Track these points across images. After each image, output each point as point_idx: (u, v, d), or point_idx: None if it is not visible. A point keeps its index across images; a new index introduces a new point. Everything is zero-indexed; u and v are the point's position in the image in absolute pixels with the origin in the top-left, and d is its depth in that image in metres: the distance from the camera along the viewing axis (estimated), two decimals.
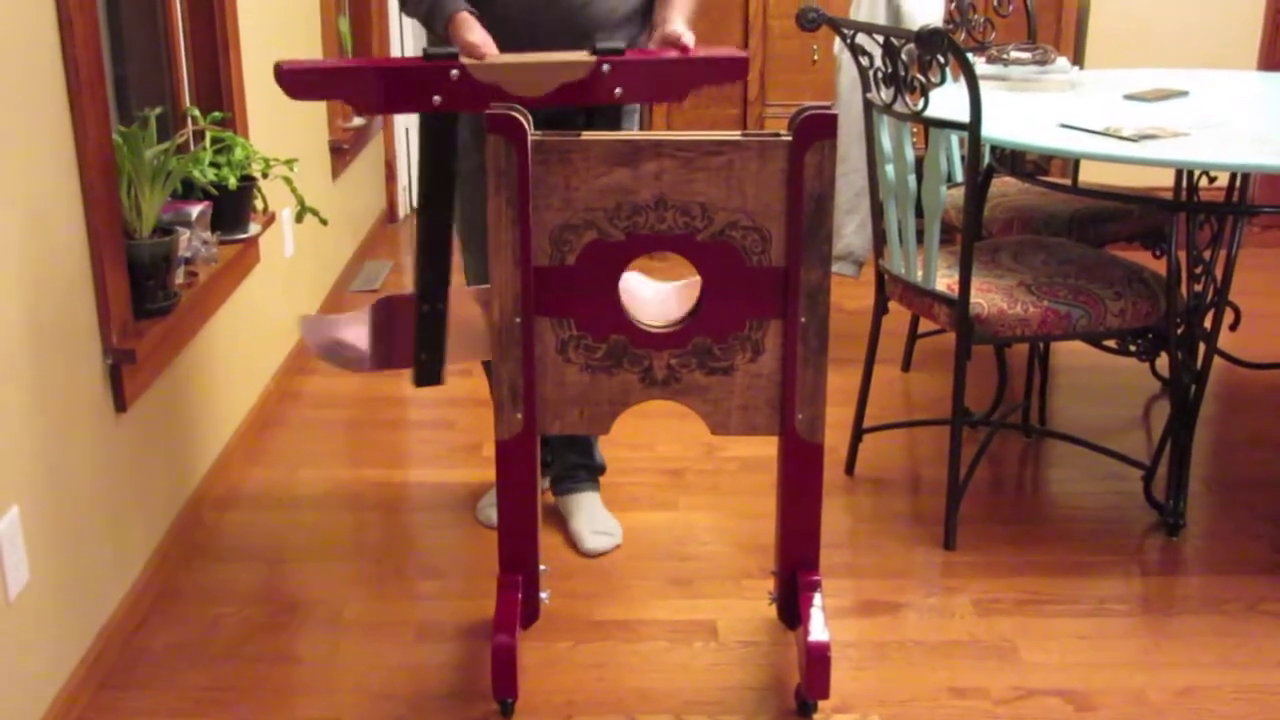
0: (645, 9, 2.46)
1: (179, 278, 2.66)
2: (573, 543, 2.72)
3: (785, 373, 2.13)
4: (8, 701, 1.98)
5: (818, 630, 2.15)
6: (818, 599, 2.21)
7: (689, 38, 2.23)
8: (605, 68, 2.10)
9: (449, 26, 2.24)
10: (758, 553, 2.69)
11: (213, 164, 2.73)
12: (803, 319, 2.09)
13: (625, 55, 2.12)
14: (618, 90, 2.13)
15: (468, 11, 2.26)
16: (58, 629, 2.15)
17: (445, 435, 3.32)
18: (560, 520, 2.78)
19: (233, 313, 2.98)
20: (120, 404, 2.39)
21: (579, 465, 2.80)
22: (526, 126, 2.01)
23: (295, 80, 2.08)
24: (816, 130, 2.01)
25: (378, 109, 2.16)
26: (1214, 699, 2.24)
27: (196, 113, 2.93)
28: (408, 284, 4.52)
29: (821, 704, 2.19)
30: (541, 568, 2.31)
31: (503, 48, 2.22)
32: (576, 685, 2.29)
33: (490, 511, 2.62)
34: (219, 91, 3.08)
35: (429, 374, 2.29)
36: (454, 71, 2.08)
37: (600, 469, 2.84)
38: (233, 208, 2.90)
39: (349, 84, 2.13)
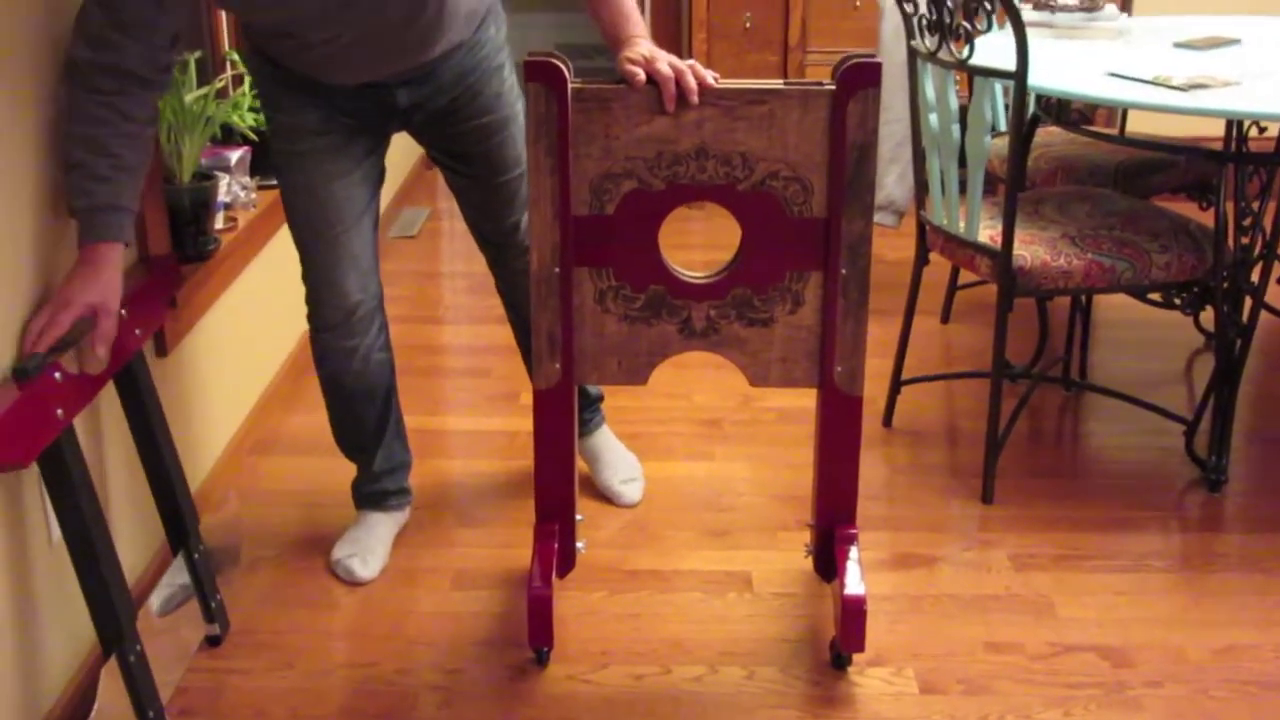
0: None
1: (219, 223, 2.66)
2: (603, 495, 2.72)
3: (825, 325, 2.11)
4: (52, 640, 2.01)
5: (854, 583, 2.15)
6: (854, 552, 2.21)
7: (663, 63, 1.97)
8: (136, 331, 2.07)
9: (87, 248, 1.93)
10: (794, 504, 2.68)
11: (252, 109, 2.72)
12: (844, 271, 2.07)
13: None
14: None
15: (117, 248, 1.94)
16: None
17: (482, 383, 3.32)
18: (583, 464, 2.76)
19: (272, 258, 2.98)
20: (161, 348, 2.40)
21: (580, 409, 2.62)
22: (567, 74, 1.98)
23: None
24: (860, 79, 1.98)
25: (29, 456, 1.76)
26: (1254, 657, 2.22)
27: (236, 57, 2.92)
28: (446, 228, 4.52)
29: (856, 657, 2.19)
30: (578, 517, 2.32)
31: (341, 79, 2.17)
32: (612, 635, 2.30)
33: (349, 563, 2.46)
34: None
35: None
36: (58, 374, 1.84)
37: (599, 398, 2.76)
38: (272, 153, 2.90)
39: None
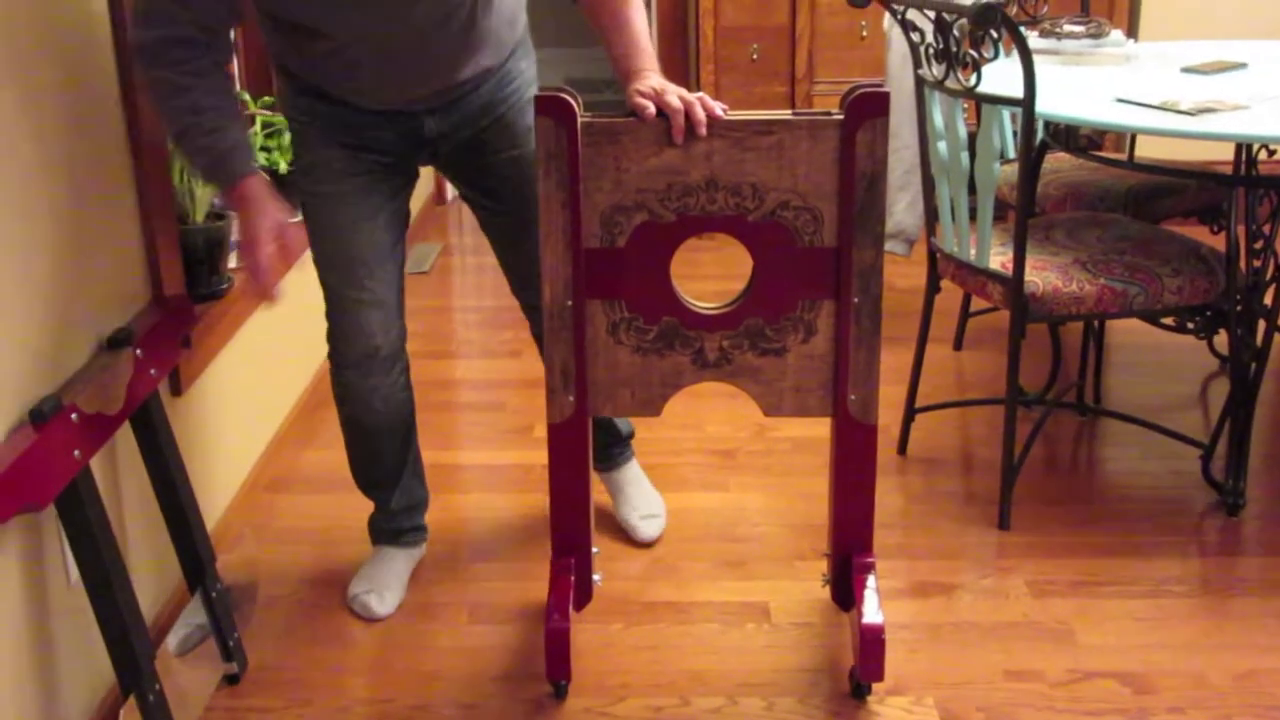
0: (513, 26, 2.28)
1: (232, 262, 2.68)
2: (622, 528, 2.72)
3: (838, 354, 2.11)
4: (71, 680, 2.01)
5: (872, 612, 2.14)
6: (871, 581, 2.20)
7: (673, 96, 1.99)
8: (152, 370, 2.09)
9: (234, 191, 2.05)
10: (810, 534, 2.68)
11: (264, 148, 2.74)
12: (855, 299, 2.08)
13: None
14: None
15: (258, 175, 2.05)
16: None
17: (496, 417, 3.33)
18: (606, 496, 2.76)
19: (285, 296, 2.99)
20: (176, 388, 2.41)
21: (609, 444, 2.69)
22: (576, 108, 1.99)
23: None
24: (869, 109, 1.99)
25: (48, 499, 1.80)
26: (1276, 682, 2.21)
27: (247, 97, 2.94)
28: (458, 264, 4.54)
29: (876, 686, 2.18)
30: (594, 550, 2.31)
31: (367, 95, 2.18)
32: (630, 667, 2.29)
33: (366, 599, 2.45)
34: (269, 76, 3.10)
35: None
36: (74, 415, 1.87)
37: (629, 435, 2.75)
38: (284, 192, 2.91)
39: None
